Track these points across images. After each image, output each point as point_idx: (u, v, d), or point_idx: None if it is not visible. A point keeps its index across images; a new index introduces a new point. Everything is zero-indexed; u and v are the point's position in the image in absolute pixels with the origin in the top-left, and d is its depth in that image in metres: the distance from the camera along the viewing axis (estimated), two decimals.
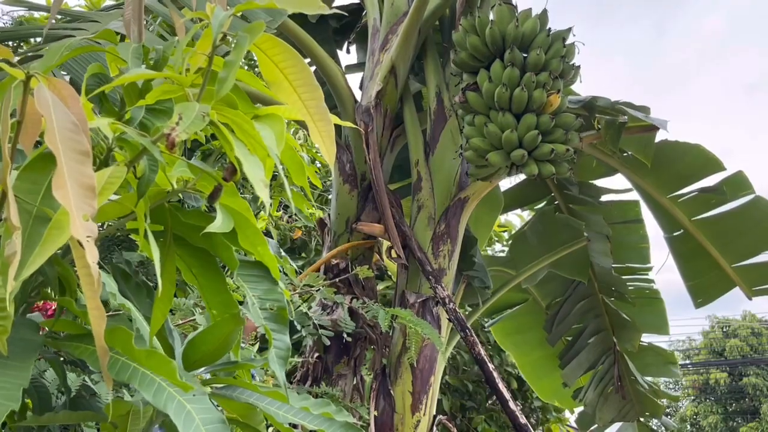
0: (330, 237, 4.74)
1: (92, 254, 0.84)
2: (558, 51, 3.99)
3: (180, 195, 1.42)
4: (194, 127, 0.95)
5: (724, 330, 32.37)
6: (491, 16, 4.13)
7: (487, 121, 4.04)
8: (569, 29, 4.09)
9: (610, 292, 6.00)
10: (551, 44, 3.99)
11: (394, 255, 4.50)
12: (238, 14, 1.16)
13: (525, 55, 4.01)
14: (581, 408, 6.76)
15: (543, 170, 3.98)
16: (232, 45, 1.06)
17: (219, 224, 1.15)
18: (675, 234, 5.56)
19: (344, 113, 4.75)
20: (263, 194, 1.00)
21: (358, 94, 4.95)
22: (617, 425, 6.66)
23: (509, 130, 3.93)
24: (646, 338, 6.37)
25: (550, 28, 4.02)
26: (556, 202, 5.84)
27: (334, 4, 5.65)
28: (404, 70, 4.71)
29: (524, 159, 3.93)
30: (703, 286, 5.76)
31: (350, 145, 4.76)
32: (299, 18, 5.08)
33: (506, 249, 7.64)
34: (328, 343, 3.82)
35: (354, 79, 6.20)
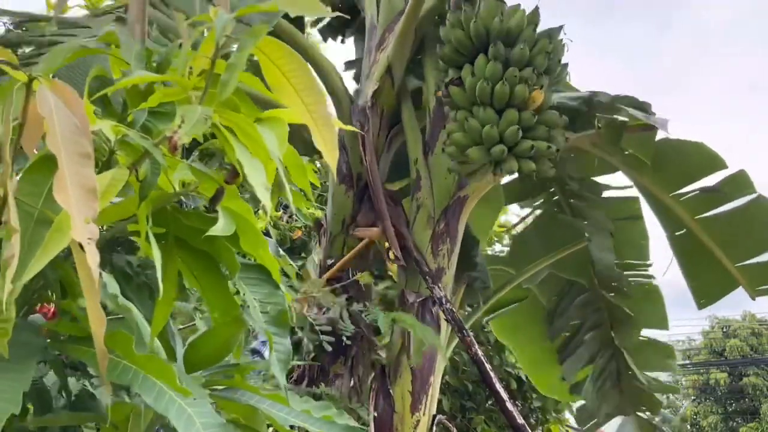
0: (326, 238, 4.73)
1: (93, 257, 0.84)
2: (543, 47, 3.93)
3: (181, 197, 1.42)
4: (196, 130, 0.95)
5: (724, 330, 32.32)
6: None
7: (468, 116, 3.99)
8: (560, 27, 4.05)
9: (609, 288, 5.99)
10: (537, 40, 3.93)
11: (392, 257, 4.49)
12: (260, 26, 1.16)
13: (511, 48, 3.96)
14: (581, 402, 6.76)
15: (523, 167, 3.90)
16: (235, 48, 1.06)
17: (221, 227, 1.15)
18: (678, 233, 5.54)
19: (340, 113, 4.72)
20: (265, 198, 1.00)
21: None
22: (617, 421, 6.65)
23: (489, 125, 3.87)
24: (646, 333, 6.36)
25: (536, 24, 3.97)
26: (556, 197, 5.82)
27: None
28: (401, 69, 4.68)
29: (504, 155, 3.86)
30: (706, 286, 5.73)
31: (346, 145, 4.72)
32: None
33: (506, 249, 7.63)
34: (330, 348, 3.78)
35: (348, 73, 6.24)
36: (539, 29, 4.04)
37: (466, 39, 4.02)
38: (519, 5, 4.03)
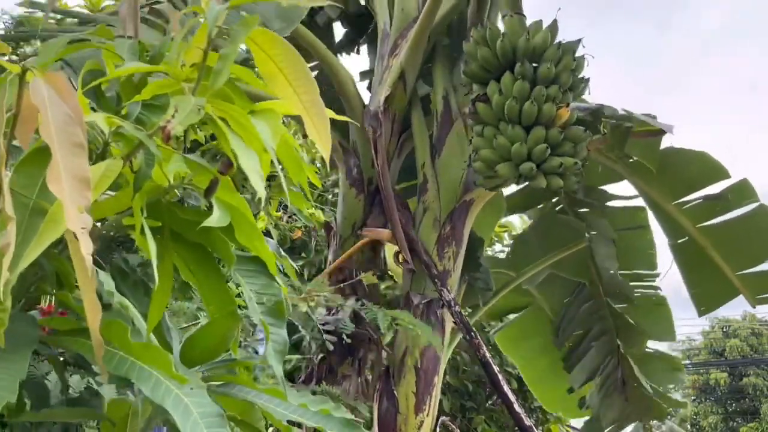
0: (336, 240, 4.77)
1: (86, 245, 0.84)
2: (568, 65, 4.00)
3: (178, 193, 1.42)
4: (189, 120, 0.95)
5: (724, 330, 32.28)
6: (501, 27, 4.14)
7: (496, 132, 4.06)
8: (579, 41, 4.08)
9: (615, 296, 5.98)
10: (561, 57, 4.00)
11: (401, 260, 4.52)
12: (252, 17, 1.16)
13: (535, 65, 4.01)
14: (587, 416, 6.72)
15: (551, 183, 3.99)
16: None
17: (215, 219, 1.15)
18: (680, 241, 5.53)
19: (353, 119, 4.77)
20: (258, 186, 1.00)
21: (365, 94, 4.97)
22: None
23: (518, 143, 3.94)
24: (652, 345, 6.34)
25: (560, 42, 4.02)
26: (561, 206, 5.83)
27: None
28: (413, 75, 4.74)
29: (533, 172, 3.95)
30: (707, 294, 5.74)
31: (357, 149, 4.80)
32: (306, 22, 5.08)
33: (506, 250, 7.63)
34: (331, 347, 3.84)
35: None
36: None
37: (492, 56, 4.08)
38: (541, 21, 4.07)
